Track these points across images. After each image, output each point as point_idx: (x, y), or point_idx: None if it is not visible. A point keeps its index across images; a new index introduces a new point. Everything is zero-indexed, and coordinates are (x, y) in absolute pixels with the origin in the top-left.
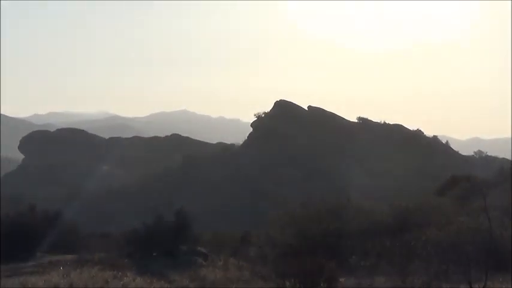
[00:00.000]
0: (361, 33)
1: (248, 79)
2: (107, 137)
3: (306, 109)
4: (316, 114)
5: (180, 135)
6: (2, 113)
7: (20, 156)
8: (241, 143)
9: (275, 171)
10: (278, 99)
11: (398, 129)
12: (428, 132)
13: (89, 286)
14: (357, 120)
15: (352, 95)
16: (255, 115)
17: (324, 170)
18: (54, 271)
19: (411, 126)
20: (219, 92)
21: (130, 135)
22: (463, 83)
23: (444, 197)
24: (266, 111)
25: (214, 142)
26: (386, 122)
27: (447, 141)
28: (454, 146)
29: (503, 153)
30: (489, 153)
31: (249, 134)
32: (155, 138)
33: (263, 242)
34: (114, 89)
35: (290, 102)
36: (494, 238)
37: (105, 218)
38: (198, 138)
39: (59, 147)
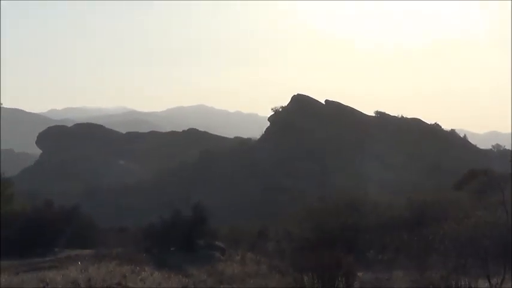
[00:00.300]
0: (378, 31)
1: (266, 74)
2: (124, 132)
3: (323, 103)
4: (334, 108)
5: (197, 129)
6: (19, 108)
7: (38, 152)
8: (258, 137)
9: (292, 166)
10: (295, 94)
11: (416, 123)
12: (446, 126)
13: (106, 281)
14: (374, 114)
15: (370, 89)
16: (272, 109)
17: (341, 164)
18: (72, 266)
19: (429, 120)
20: (236, 86)
21: (147, 130)
22: (481, 78)
23: (462, 191)
24: (283, 106)
25: (232, 137)
26: (404, 116)
27: (465, 135)
28: (472, 140)
29: None
30: (507, 147)
31: (266, 128)
32: (172, 133)
33: (281, 236)
34: (131, 84)
35: (307, 96)
36: None
37: (122, 213)
38: (215, 133)
39: (76, 142)
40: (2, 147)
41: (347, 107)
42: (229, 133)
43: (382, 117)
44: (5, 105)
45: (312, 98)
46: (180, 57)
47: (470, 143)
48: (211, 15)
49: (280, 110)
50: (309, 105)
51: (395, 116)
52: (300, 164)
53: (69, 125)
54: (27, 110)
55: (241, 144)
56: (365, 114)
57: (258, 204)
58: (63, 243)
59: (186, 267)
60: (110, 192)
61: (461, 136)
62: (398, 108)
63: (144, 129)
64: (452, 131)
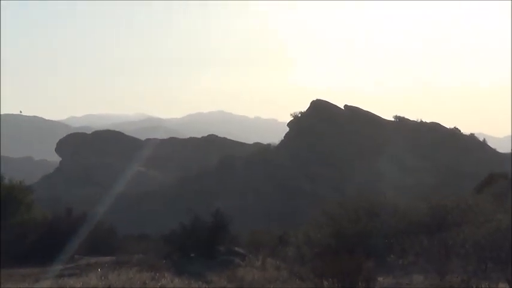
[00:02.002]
0: (397, 32)
1: (285, 79)
2: (143, 138)
3: (343, 108)
4: (353, 113)
5: (217, 135)
6: (38, 115)
7: (57, 159)
8: (277, 143)
9: (312, 171)
10: (314, 99)
11: (435, 127)
12: (465, 130)
13: None
14: (393, 119)
15: (389, 94)
16: (291, 115)
17: (361, 169)
18: (92, 273)
19: (448, 124)
20: (255, 92)
21: (167, 137)
22: (500, 81)
23: (482, 195)
24: (302, 111)
25: (251, 142)
26: (423, 121)
27: (484, 139)
28: (492, 144)
29: None
30: None
31: (286, 133)
32: (192, 139)
33: (301, 242)
34: (150, 91)
35: (326, 101)
36: None
37: (142, 220)
38: (234, 139)
39: (95, 149)
40: (22, 155)
41: (366, 111)
42: (249, 139)
43: (401, 122)
44: (24, 112)
45: (330, 103)
46: (198, 64)
47: (490, 146)
48: (229, 21)
49: (299, 115)
50: (328, 111)
51: (414, 121)
52: (319, 169)
53: (89, 132)
54: (47, 117)
55: (261, 150)
56: (384, 118)
57: (277, 210)
58: (83, 250)
59: (206, 274)
60: (129, 198)
61: (481, 140)
62: (417, 112)
63: (164, 135)
64: (472, 135)
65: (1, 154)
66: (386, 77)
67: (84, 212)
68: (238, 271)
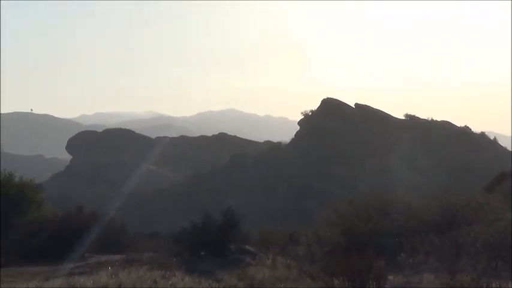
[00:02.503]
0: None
1: (295, 78)
2: (153, 136)
3: (353, 107)
4: (363, 111)
5: (227, 134)
6: (49, 114)
7: (68, 157)
8: (288, 141)
9: (323, 169)
10: (325, 97)
11: (445, 125)
12: (476, 128)
13: (137, 286)
14: (404, 117)
15: (399, 92)
16: (302, 113)
17: (371, 167)
18: (102, 271)
19: (459, 123)
20: (266, 90)
21: (177, 135)
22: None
23: (492, 193)
24: (313, 109)
25: (262, 141)
26: (434, 119)
27: (495, 138)
28: (502, 142)
29: None
30: None
31: (296, 132)
32: (202, 137)
33: (311, 241)
34: (161, 89)
35: (337, 99)
36: None
37: (152, 218)
38: (245, 137)
39: (106, 147)
40: (32, 153)
41: (376, 110)
42: (260, 137)
43: (411, 120)
44: (35, 111)
45: (341, 101)
46: (209, 62)
47: (501, 145)
48: (238, 20)
49: (310, 114)
50: (338, 109)
51: (425, 119)
52: (330, 168)
53: (99, 130)
54: (57, 115)
55: (272, 149)
56: (395, 117)
57: (288, 208)
58: (93, 248)
59: (216, 272)
60: (140, 197)
61: (491, 138)
62: (428, 111)
63: (174, 133)
64: (482, 133)
65: (12, 152)
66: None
67: (94, 210)
68: (249, 270)
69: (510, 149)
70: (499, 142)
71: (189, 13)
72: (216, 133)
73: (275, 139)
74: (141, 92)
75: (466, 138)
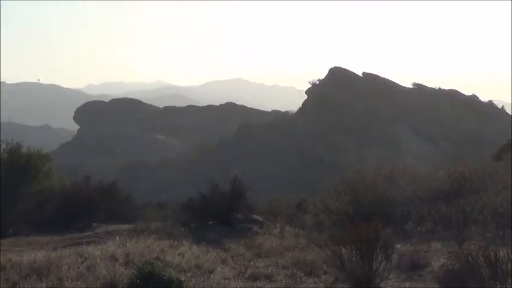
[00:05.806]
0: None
1: (302, 46)
2: (161, 106)
3: (361, 75)
4: (371, 80)
5: (235, 103)
6: (56, 84)
7: (75, 127)
8: (295, 110)
9: (330, 139)
10: (332, 66)
11: (453, 94)
12: (484, 97)
13: (145, 255)
14: (412, 86)
15: (407, 61)
16: (309, 82)
17: (379, 136)
18: (110, 241)
19: (466, 91)
20: (273, 59)
21: (184, 105)
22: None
23: (500, 162)
24: (320, 78)
25: (269, 110)
26: (442, 88)
27: (503, 106)
28: (510, 111)
29: None
30: None
31: (304, 101)
32: (210, 107)
33: (319, 210)
34: (168, 59)
35: (344, 68)
36: None
37: (160, 188)
38: (252, 106)
39: (113, 117)
40: (39, 123)
41: (384, 79)
42: (267, 106)
43: (419, 89)
44: (42, 81)
45: (349, 70)
46: (216, 32)
47: (508, 113)
48: None
49: (317, 83)
50: (346, 78)
51: (432, 88)
52: (337, 137)
53: (107, 100)
54: (65, 85)
55: (279, 118)
56: (402, 86)
57: (296, 177)
58: (101, 218)
59: (224, 241)
60: (148, 167)
61: (499, 107)
62: (436, 79)
63: (182, 103)
64: (490, 102)
65: (19, 122)
66: (404, 44)
67: (102, 180)
68: (257, 238)
69: None
70: (507, 110)
71: None
72: (224, 102)
73: (283, 108)
74: (148, 62)
75: (474, 107)
